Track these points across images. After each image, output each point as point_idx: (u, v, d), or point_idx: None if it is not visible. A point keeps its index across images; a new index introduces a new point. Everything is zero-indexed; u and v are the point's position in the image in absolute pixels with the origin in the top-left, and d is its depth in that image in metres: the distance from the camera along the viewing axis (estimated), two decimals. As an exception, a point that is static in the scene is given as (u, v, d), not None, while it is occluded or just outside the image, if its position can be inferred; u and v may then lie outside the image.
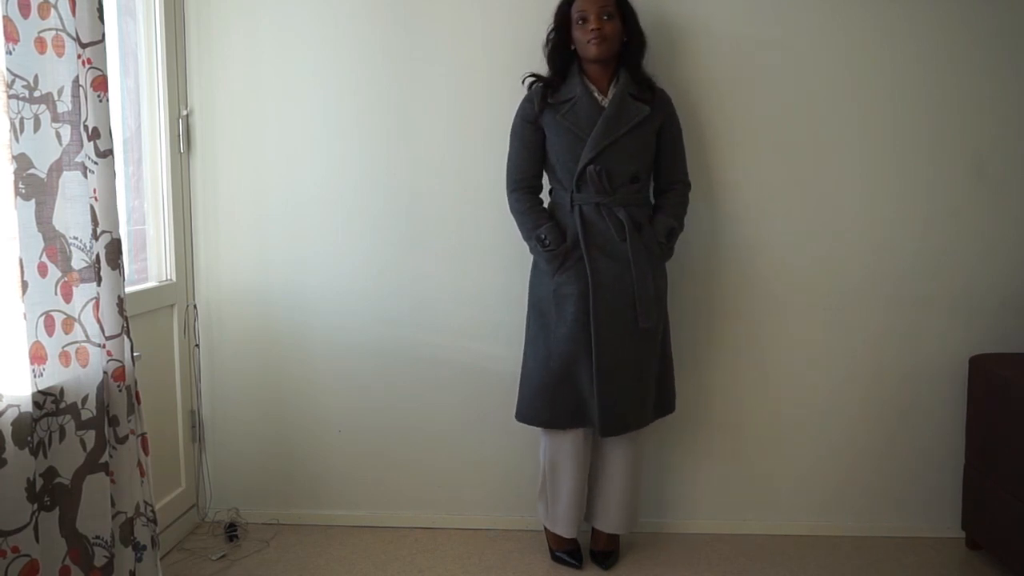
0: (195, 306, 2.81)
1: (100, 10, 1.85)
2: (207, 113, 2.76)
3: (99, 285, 1.87)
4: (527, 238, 2.44)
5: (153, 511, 2.06)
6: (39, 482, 1.73)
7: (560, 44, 2.42)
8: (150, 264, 2.68)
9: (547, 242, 2.38)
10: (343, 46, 2.72)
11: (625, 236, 2.35)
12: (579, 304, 2.36)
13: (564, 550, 2.56)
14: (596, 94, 2.39)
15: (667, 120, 2.46)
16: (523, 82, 2.47)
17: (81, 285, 1.84)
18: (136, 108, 2.63)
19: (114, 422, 1.92)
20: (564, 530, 2.54)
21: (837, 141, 2.65)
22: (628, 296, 2.36)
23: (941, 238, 2.66)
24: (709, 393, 2.75)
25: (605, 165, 2.34)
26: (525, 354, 2.50)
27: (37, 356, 1.74)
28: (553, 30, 2.42)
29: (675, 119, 2.49)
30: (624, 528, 2.55)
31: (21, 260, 1.70)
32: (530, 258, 2.49)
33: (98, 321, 1.87)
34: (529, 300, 2.50)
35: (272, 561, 2.58)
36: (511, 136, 2.47)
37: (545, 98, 2.40)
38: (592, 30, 2.32)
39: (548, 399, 2.42)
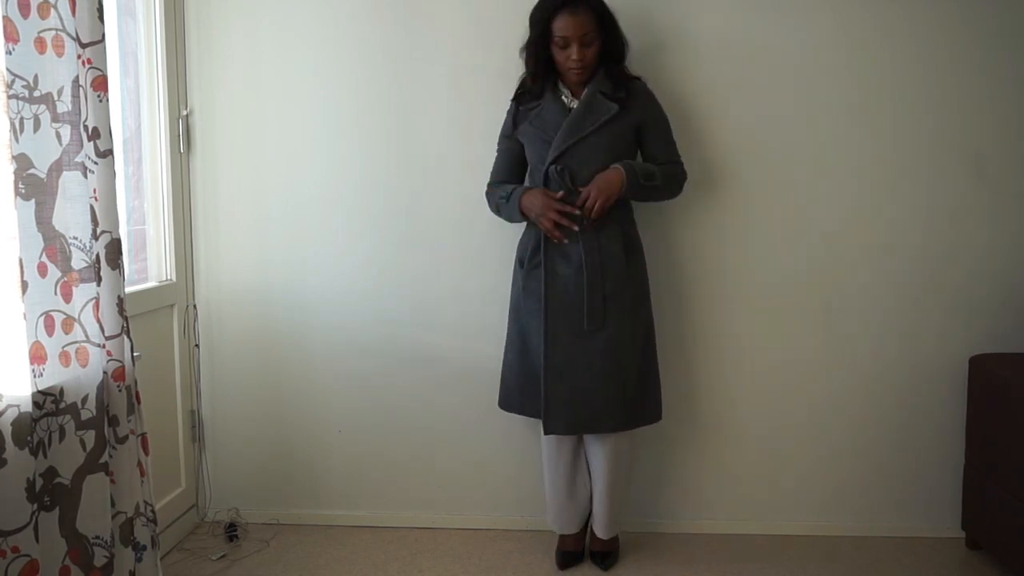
0: (195, 306, 2.81)
1: (100, 10, 1.85)
2: (207, 113, 2.76)
3: (99, 285, 1.87)
4: (503, 208, 2.46)
5: (153, 511, 2.06)
6: (39, 482, 1.73)
7: (539, 57, 2.37)
8: (150, 264, 2.68)
9: (509, 198, 2.41)
10: (343, 46, 2.72)
11: (579, 236, 2.34)
12: (541, 301, 2.39)
13: (557, 549, 2.57)
14: (565, 97, 2.39)
15: (646, 114, 2.42)
16: (511, 100, 2.50)
17: (81, 285, 1.84)
18: (136, 108, 2.63)
19: (114, 422, 1.92)
20: (552, 523, 2.57)
21: (837, 141, 2.64)
22: (582, 296, 2.36)
23: (941, 238, 2.66)
24: (709, 393, 2.74)
25: (568, 164, 2.35)
26: (505, 346, 2.54)
27: (37, 356, 1.75)
28: (531, 43, 2.38)
29: (655, 110, 2.44)
30: (604, 531, 2.54)
31: (21, 260, 1.70)
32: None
33: (98, 321, 1.87)
34: (510, 297, 2.54)
35: (272, 561, 2.59)
36: None
37: (519, 110, 2.45)
38: (574, 60, 2.31)
39: (523, 389, 2.46)
